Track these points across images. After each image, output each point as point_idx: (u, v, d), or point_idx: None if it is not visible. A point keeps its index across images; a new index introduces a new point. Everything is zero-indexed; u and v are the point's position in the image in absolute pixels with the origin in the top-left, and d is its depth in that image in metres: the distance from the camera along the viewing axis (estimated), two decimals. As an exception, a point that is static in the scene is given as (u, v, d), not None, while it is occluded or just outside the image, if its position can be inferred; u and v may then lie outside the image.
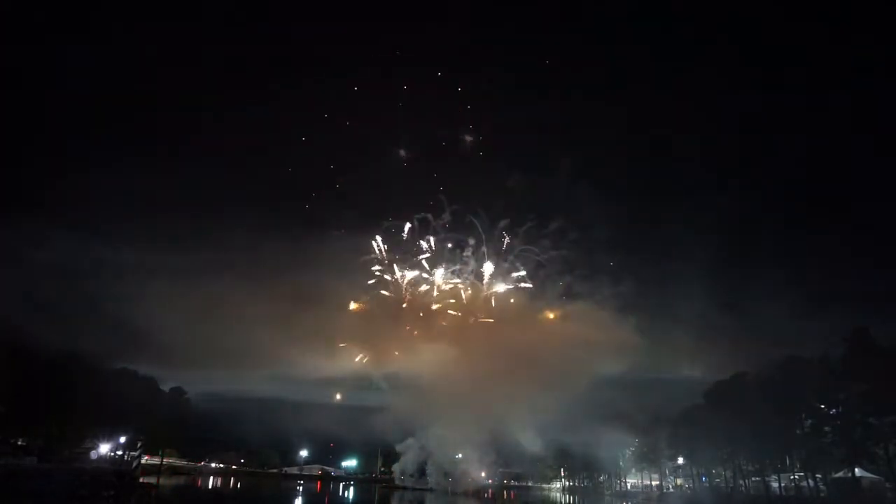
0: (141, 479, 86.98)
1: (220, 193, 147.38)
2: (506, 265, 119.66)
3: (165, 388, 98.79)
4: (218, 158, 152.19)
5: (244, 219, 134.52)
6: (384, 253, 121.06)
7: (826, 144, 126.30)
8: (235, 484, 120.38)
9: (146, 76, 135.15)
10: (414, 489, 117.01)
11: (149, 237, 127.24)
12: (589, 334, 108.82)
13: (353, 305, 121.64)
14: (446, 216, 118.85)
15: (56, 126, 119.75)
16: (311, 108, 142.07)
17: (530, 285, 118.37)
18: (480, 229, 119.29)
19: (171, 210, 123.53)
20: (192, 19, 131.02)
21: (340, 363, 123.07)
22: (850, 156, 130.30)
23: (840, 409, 61.12)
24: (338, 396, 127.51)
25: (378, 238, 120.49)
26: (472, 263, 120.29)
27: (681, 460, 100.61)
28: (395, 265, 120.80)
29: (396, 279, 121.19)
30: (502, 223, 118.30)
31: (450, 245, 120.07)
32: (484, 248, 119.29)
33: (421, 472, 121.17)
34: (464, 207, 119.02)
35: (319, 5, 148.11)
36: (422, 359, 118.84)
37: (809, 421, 65.11)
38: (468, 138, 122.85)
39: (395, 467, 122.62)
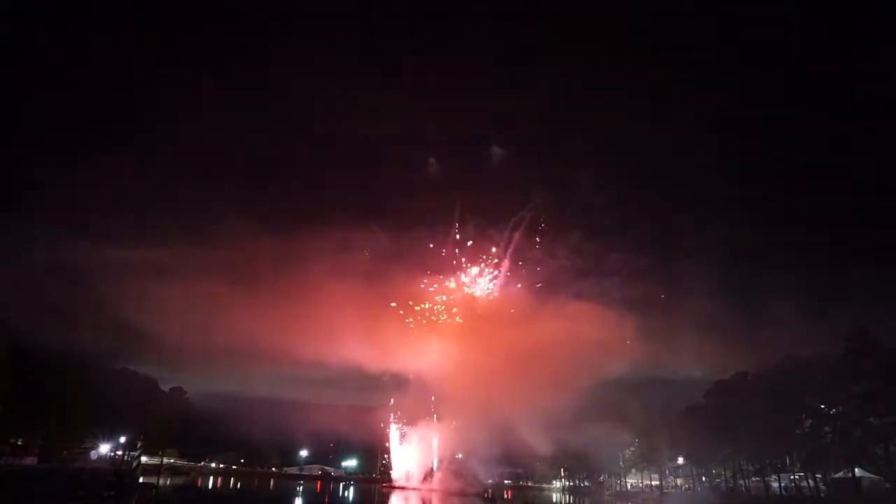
0: (141, 479, 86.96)
1: (222, 194, 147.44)
2: (521, 271, 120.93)
3: (165, 388, 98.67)
4: (220, 159, 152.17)
5: (245, 218, 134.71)
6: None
7: (828, 145, 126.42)
8: (235, 484, 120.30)
9: (150, 76, 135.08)
10: (415, 489, 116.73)
11: (149, 237, 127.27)
12: (592, 334, 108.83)
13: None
14: (468, 227, 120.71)
15: (56, 126, 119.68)
16: (315, 108, 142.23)
17: (540, 287, 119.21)
18: (496, 237, 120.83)
19: (172, 210, 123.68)
20: (195, 17, 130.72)
21: (342, 362, 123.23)
22: (852, 156, 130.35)
23: (840, 409, 61.23)
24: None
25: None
26: (487, 269, 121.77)
27: (681, 460, 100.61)
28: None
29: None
30: (518, 231, 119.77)
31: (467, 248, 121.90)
32: (499, 255, 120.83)
33: (425, 471, 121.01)
34: (485, 220, 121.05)
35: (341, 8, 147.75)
36: (427, 359, 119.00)
37: (809, 421, 65.27)
38: (496, 150, 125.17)
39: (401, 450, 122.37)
